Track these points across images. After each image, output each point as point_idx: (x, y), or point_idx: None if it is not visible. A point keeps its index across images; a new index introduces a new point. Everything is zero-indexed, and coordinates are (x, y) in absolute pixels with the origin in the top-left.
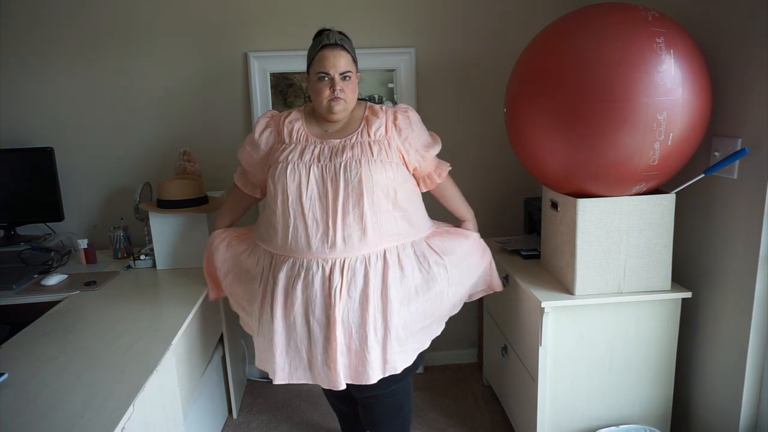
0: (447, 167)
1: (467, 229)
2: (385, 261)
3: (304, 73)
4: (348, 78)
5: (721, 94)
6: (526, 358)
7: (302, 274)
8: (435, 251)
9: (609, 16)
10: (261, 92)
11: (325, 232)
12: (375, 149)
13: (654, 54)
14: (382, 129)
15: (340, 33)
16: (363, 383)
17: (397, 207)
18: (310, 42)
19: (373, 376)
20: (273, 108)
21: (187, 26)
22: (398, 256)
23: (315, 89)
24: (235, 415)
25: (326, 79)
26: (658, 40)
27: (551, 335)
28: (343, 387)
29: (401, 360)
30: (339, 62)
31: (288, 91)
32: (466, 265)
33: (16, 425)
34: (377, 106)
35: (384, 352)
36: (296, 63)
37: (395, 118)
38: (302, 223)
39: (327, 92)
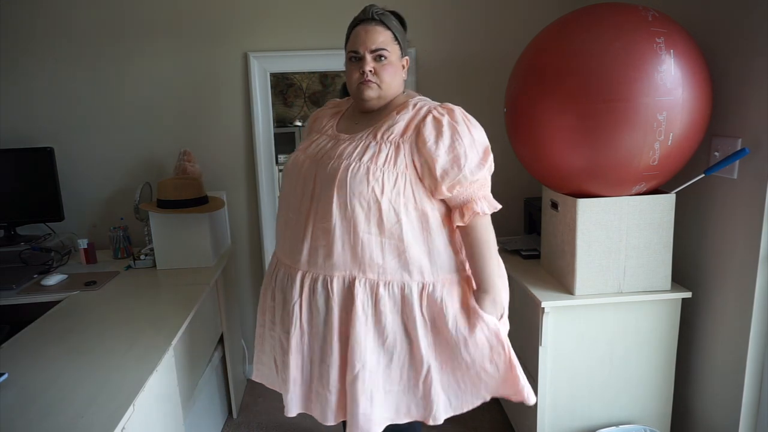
0: (479, 208)
1: (482, 305)
2: (353, 294)
3: (304, 72)
4: (383, 58)
5: (721, 94)
6: (526, 358)
7: (276, 279)
8: (425, 318)
9: (609, 16)
10: (261, 92)
11: (294, 237)
12: (370, 152)
13: (654, 54)
14: (400, 126)
15: (388, 11)
16: (322, 422)
17: (384, 232)
18: (309, 42)
19: (331, 418)
20: (273, 108)
21: (187, 26)
22: (375, 293)
23: (347, 73)
24: (235, 415)
25: (356, 59)
26: (658, 40)
27: (551, 335)
28: (292, 414)
29: (365, 421)
30: (371, 38)
31: (288, 91)
32: (456, 364)
33: (17, 425)
34: (417, 99)
35: (340, 401)
36: (296, 63)
37: (424, 118)
38: (282, 223)
39: (356, 75)
